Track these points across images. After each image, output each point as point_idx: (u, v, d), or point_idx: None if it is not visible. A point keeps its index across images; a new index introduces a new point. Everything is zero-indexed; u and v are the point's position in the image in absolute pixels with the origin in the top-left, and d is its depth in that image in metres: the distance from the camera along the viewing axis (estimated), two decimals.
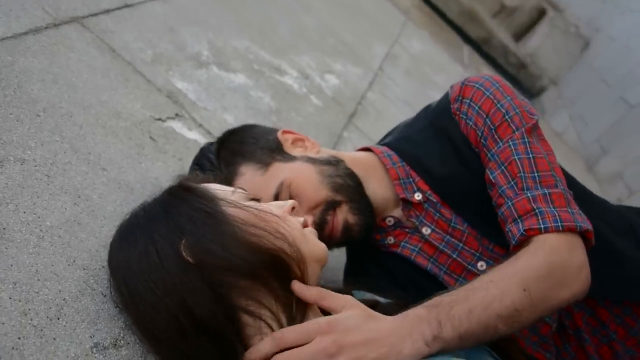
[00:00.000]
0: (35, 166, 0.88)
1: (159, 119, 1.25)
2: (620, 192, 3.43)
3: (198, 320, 0.70)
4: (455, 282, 1.04)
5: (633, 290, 1.04)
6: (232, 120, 1.47)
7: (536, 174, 0.93)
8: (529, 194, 0.92)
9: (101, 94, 1.15)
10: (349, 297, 0.77)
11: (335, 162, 1.07)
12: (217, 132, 1.31)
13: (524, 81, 5.14)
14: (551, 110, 4.93)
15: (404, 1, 4.56)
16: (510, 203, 0.93)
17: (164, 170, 1.12)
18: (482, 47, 5.10)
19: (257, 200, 0.86)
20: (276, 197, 0.99)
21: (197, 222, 0.75)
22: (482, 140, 1.01)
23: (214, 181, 0.89)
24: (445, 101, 1.09)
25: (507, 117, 0.98)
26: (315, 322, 0.72)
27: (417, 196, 1.06)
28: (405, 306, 0.77)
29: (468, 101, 1.03)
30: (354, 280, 1.11)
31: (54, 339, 0.69)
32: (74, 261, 0.79)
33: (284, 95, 1.83)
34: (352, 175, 1.07)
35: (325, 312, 0.78)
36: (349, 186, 1.05)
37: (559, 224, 0.88)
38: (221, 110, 1.48)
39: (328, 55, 2.44)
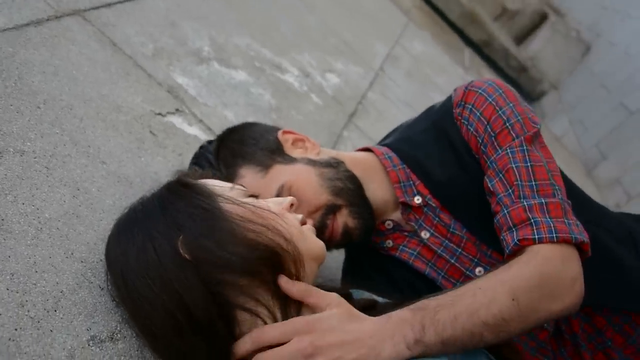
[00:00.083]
0: (35, 158, 0.88)
1: (159, 114, 1.25)
2: (618, 198, 3.44)
3: (194, 317, 0.70)
4: (453, 287, 1.03)
5: (631, 298, 1.03)
6: (232, 117, 1.46)
7: (534, 183, 0.92)
8: (525, 203, 0.90)
9: (102, 87, 1.15)
10: (334, 295, 0.76)
11: (335, 164, 1.07)
12: (217, 128, 1.31)
13: (524, 85, 5.15)
14: (551, 115, 4.95)
15: (406, 2, 4.56)
16: (506, 211, 0.91)
17: (163, 165, 1.11)
18: (483, 50, 5.11)
19: (256, 197, 0.86)
20: None
21: (195, 219, 0.75)
22: (482, 147, 0.99)
23: (213, 177, 0.88)
24: (448, 104, 1.07)
25: (508, 124, 0.96)
26: (293, 322, 0.72)
27: (417, 200, 1.06)
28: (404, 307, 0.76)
29: (470, 107, 1.02)
30: (352, 280, 1.11)
31: (51, 330, 0.69)
32: (72, 254, 0.79)
33: (285, 93, 1.82)
34: (352, 178, 1.06)
35: None
36: (349, 189, 1.04)
37: (554, 234, 0.86)
38: (221, 106, 1.48)
39: (329, 54, 2.43)
